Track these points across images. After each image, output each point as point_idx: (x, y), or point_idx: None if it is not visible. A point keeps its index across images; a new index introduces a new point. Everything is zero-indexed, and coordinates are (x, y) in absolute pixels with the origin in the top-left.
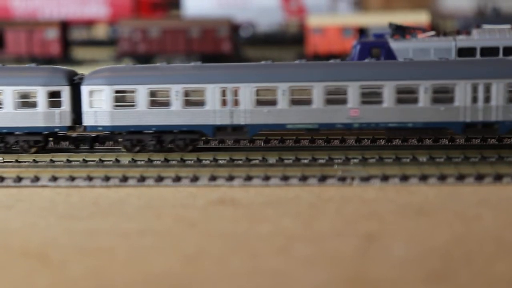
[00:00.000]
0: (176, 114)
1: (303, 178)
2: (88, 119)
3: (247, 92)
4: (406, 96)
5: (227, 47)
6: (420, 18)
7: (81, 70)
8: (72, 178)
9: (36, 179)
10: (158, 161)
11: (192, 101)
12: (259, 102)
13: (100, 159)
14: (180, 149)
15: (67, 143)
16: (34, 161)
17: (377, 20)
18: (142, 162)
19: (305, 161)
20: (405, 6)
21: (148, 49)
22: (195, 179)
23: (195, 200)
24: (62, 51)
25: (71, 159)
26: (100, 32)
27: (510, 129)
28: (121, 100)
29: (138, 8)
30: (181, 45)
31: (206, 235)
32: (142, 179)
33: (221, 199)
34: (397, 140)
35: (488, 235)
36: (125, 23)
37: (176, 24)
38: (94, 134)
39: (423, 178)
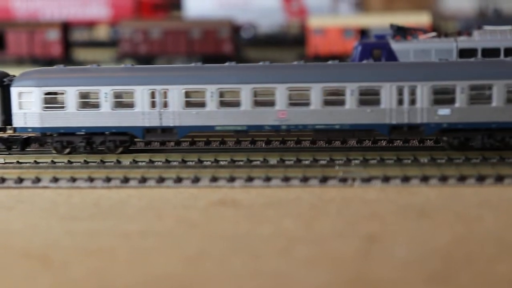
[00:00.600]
0: (105, 116)
1: (304, 179)
2: (18, 121)
3: (175, 94)
4: (333, 98)
5: (228, 48)
6: (421, 19)
7: None
8: (73, 179)
9: (37, 180)
10: (159, 162)
11: (122, 103)
12: (188, 104)
13: (101, 160)
14: (111, 151)
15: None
16: (35, 162)
17: (378, 21)
18: (143, 163)
19: (306, 162)
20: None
21: (149, 50)
22: (196, 180)
23: (196, 201)
24: (63, 52)
25: (72, 160)
26: (101, 33)
27: (435, 131)
28: (51, 101)
29: (139, 9)
30: (182, 46)
31: (207, 236)
32: (143, 180)
33: (222, 200)
34: (398, 141)
35: (489, 236)
36: (126, 24)
37: (177, 25)
38: (25, 136)
39: (424, 179)
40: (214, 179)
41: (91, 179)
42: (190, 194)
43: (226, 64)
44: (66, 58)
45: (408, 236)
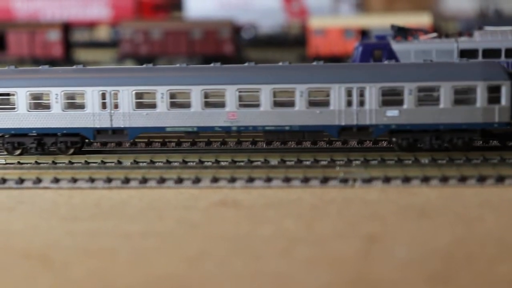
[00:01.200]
0: (56, 117)
1: (305, 180)
2: None
3: (126, 95)
4: (283, 100)
5: (229, 49)
6: (422, 19)
7: None
8: (74, 180)
9: (38, 180)
10: (160, 163)
11: (73, 104)
12: (139, 106)
13: (102, 161)
14: (62, 152)
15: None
16: (36, 162)
17: (379, 22)
18: (144, 163)
19: (307, 162)
20: (407, 7)
21: (150, 51)
22: (197, 180)
23: (197, 202)
24: (64, 52)
25: (73, 160)
26: (102, 33)
27: (384, 132)
28: (2, 103)
29: (140, 9)
30: (183, 47)
31: (208, 237)
32: (144, 180)
33: (223, 200)
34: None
35: (490, 236)
36: (127, 24)
37: (178, 26)
38: None
39: (425, 179)
40: (215, 180)
41: (92, 180)
42: (191, 195)
43: (177, 65)
44: (67, 59)
45: (409, 236)
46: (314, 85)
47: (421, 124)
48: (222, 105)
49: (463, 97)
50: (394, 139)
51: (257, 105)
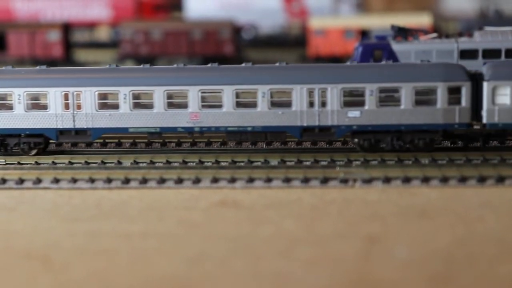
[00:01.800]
0: (19, 118)
1: (305, 180)
2: None
3: (89, 96)
4: (245, 101)
5: (229, 49)
6: (422, 20)
7: None
8: (74, 180)
9: (38, 181)
10: (160, 163)
11: (36, 105)
12: (102, 106)
13: (102, 161)
14: (25, 152)
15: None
16: (36, 163)
17: (379, 22)
18: (144, 164)
19: (307, 163)
20: (407, 8)
21: (150, 51)
22: (197, 181)
23: (197, 202)
24: (64, 53)
25: (73, 161)
26: (102, 34)
27: (346, 133)
28: None
29: (140, 10)
30: (183, 47)
31: (208, 237)
32: (144, 181)
33: (223, 201)
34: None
35: (490, 237)
36: (127, 25)
37: (178, 26)
38: None
39: (425, 180)
40: (215, 180)
41: (92, 180)
42: (191, 195)
43: (140, 66)
44: (67, 59)
45: (409, 237)
46: (276, 86)
47: (382, 125)
48: (185, 106)
49: (424, 98)
50: (356, 140)
51: (220, 106)
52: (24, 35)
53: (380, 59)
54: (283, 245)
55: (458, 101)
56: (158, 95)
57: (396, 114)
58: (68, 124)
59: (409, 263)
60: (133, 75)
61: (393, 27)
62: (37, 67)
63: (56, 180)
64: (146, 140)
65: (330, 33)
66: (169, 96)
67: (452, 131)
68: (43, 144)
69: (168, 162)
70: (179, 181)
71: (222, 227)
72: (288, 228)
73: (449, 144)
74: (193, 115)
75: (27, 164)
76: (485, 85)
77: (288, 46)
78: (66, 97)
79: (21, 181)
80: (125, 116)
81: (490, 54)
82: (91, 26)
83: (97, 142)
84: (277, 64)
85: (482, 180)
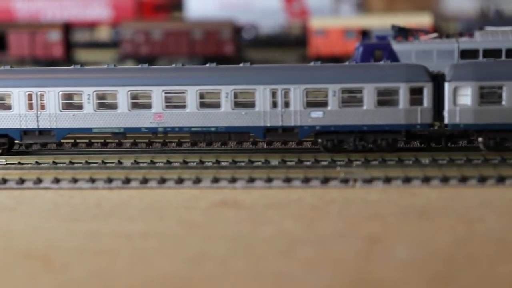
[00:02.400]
0: None
1: (306, 180)
2: None
3: (52, 96)
4: (209, 101)
5: (229, 49)
6: (422, 20)
7: None
8: (75, 180)
9: (39, 181)
10: (160, 163)
11: (0, 105)
12: (65, 106)
13: (102, 161)
14: None
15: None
16: (37, 163)
17: (379, 22)
18: (145, 164)
19: (308, 163)
20: (408, 8)
21: (150, 51)
22: (197, 181)
23: (197, 202)
24: (65, 53)
25: (73, 161)
26: (103, 34)
27: (309, 134)
28: None
29: (140, 10)
30: (183, 47)
31: (209, 237)
32: (144, 181)
33: (223, 201)
34: (400, 142)
35: (491, 237)
36: (127, 25)
37: (178, 26)
38: None
39: (426, 180)
40: (215, 180)
41: (92, 180)
42: (191, 195)
43: (104, 67)
44: (68, 59)
45: (410, 237)
46: (239, 86)
47: (345, 126)
48: (148, 106)
49: (386, 99)
50: (319, 140)
51: (183, 107)
52: (24, 35)
53: (381, 59)
54: (283, 245)
55: (420, 102)
56: (122, 95)
57: (358, 114)
58: (32, 125)
59: (410, 263)
60: (97, 75)
61: (393, 27)
62: (1, 67)
63: (57, 180)
64: (146, 140)
65: (330, 33)
66: (133, 97)
67: (414, 131)
68: (7, 145)
69: (168, 162)
70: (180, 181)
71: (222, 227)
72: (288, 228)
73: (411, 145)
74: (156, 115)
75: (27, 164)
76: (447, 85)
77: (288, 46)
78: (30, 97)
79: (21, 181)
80: (89, 117)
81: (491, 54)
82: (91, 26)
83: (98, 142)
84: (241, 64)
85: (482, 180)
